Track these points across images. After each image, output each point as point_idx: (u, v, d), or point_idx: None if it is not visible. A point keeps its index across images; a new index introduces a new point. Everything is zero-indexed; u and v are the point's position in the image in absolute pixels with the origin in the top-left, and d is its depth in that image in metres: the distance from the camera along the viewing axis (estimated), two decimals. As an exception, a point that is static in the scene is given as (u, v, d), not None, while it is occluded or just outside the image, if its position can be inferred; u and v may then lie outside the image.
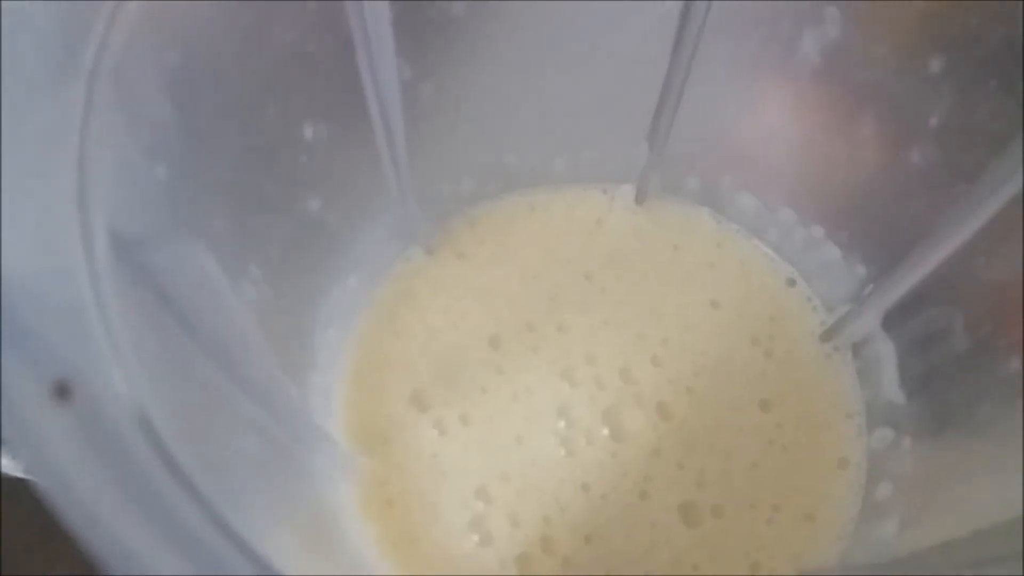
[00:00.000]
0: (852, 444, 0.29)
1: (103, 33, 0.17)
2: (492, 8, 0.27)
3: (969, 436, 0.25)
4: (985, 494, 0.23)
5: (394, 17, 0.23)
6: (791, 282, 0.32)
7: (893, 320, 0.28)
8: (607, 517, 0.28)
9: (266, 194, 0.23)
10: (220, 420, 0.20)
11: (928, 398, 0.27)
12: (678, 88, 0.28)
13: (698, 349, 0.31)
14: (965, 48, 0.24)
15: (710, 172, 0.32)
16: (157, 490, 0.13)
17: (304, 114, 0.24)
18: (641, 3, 0.27)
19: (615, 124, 0.31)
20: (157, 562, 0.12)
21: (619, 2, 0.27)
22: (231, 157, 0.21)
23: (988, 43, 0.23)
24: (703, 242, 0.33)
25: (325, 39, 0.23)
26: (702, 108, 0.29)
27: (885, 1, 0.25)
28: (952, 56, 0.24)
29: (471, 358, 0.30)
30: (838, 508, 0.28)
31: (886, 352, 0.29)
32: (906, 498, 0.27)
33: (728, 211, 0.32)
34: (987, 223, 0.24)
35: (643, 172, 0.32)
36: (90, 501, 0.12)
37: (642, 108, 0.30)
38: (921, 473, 0.27)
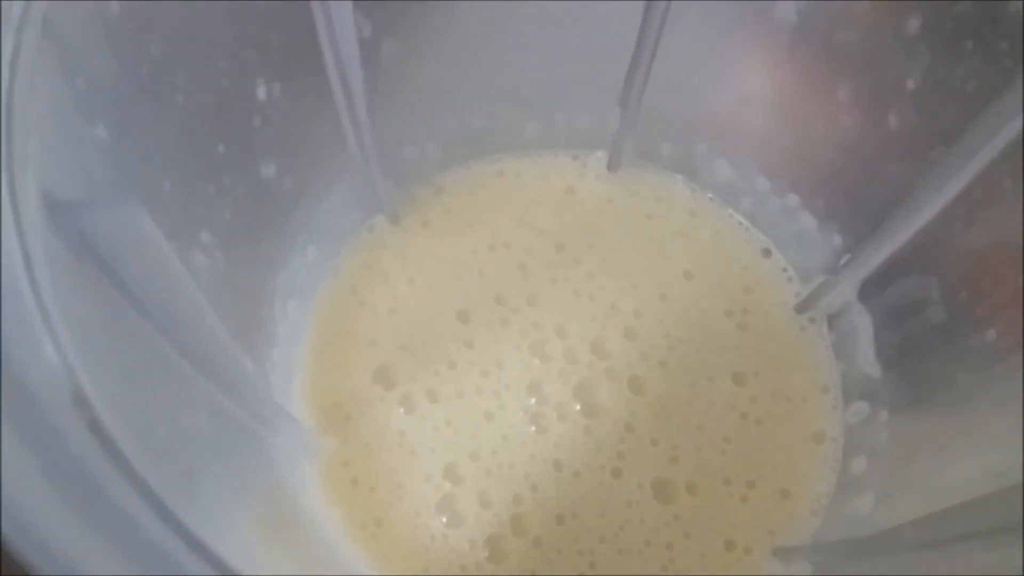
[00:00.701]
0: (828, 418, 0.29)
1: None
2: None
3: (945, 408, 0.25)
4: (960, 467, 0.23)
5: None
6: (766, 252, 0.31)
7: (869, 291, 0.28)
8: (579, 495, 0.27)
9: (217, 157, 0.22)
10: (168, 395, 0.18)
11: (904, 370, 0.27)
12: (650, 50, 0.27)
13: (671, 321, 0.30)
14: (941, 8, 0.23)
15: (684, 138, 0.31)
16: (90, 472, 0.12)
17: (257, 72, 0.22)
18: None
19: (587, 87, 0.30)
20: (85, 554, 0.11)
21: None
22: (178, 116, 0.20)
23: (964, 2, 0.22)
24: (677, 211, 0.32)
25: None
26: (676, 71, 0.28)
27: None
28: (929, 15, 0.23)
29: (439, 332, 0.29)
30: (814, 483, 0.28)
31: (862, 324, 0.28)
32: (881, 473, 0.26)
33: (703, 179, 0.32)
34: (965, 188, 0.24)
35: (616, 138, 0.31)
36: (10, 484, 0.11)
37: (614, 71, 0.29)
38: (896, 447, 0.26)
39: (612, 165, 0.32)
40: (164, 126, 0.20)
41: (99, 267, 0.16)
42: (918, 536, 0.22)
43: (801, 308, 0.30)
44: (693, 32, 0.27)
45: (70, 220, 0.15)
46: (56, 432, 0.12)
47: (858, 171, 0.28)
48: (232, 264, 0.23)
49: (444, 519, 0.27)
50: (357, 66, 0.25)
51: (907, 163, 0.26)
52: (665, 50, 0.28)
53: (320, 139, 0.26)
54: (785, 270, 0.31)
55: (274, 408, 0.25)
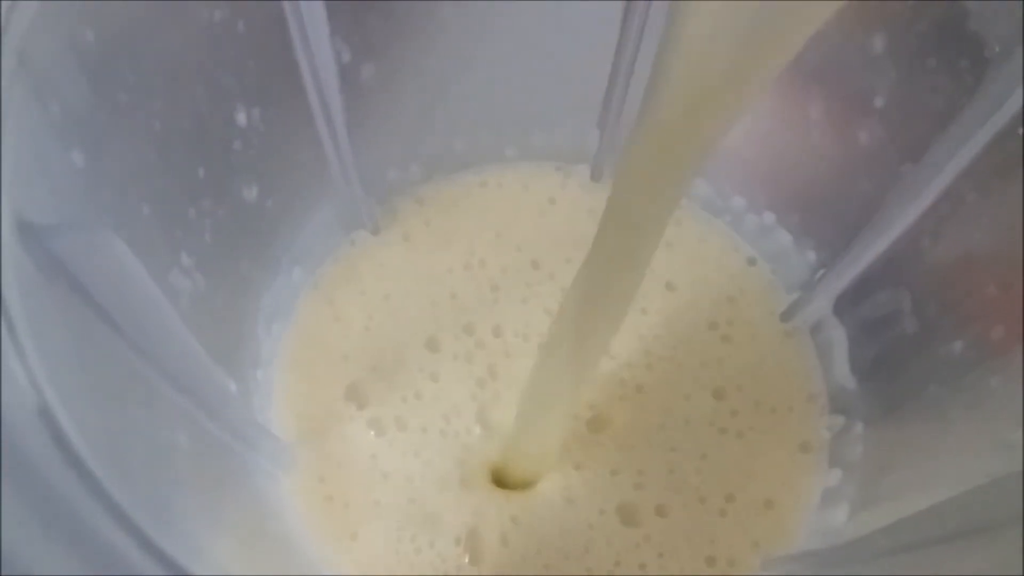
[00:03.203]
0: (814, 426, 0.28)
1: (4, 12, 0.16)
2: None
3: (916, 419, 0.25)
4: (930, 477, 0.23)
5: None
6: (751, 261, 0.31)
7: (844, 305, 0.28)
8: (538, 518, 0.27)
9: (197, 181, 0.22)
10: (144, 414, 0.19)
11: (878, 383, 0.27)
12: (626, 74, 0.28)
13: (651, 337, 0.29)
14: (905, 25, 0.23)
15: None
16: (56, 486, 0.12)
17: (236, 97, 0.23)
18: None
19: (566, 109, 0.30)
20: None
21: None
22: (156, 142, 0.20)
23: (927, 20, 0.23)
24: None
25: (255, 17, 0.22)
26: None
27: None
28: (893, 34, 0.24)
29: (407, 359, 0.29)
30: (800, 493, 0.27)
31: (837, 337, 0.29)
32: (855, 485, 0.26)
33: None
34: (932, 203, 0.24)
35: (596, 158, 0.31)
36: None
37: (592, 93, 0.29)
38: (871, 458, 0.26)
39: (595, 176, 0.32)
40: (141, 151, 0.20)
41: (72, 288, 0.16)
42: (890, 543, 0.22)
43: (786, 317, 0.30)
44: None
45: (42, 243, 0.16)
46: (20, 447, 0.12)
47: (831, 188, 0.28)
48: (214, 286, 0.23)
49: (420, 534, 0.26)
50: (336, 91, 0.25)
51: (878, 179, 0.26)
52: (641, 74, 0.28)
53: (302, 162, 0.27)
54: (771, 280, 0.31)
55: (255, 427, 0.25)
